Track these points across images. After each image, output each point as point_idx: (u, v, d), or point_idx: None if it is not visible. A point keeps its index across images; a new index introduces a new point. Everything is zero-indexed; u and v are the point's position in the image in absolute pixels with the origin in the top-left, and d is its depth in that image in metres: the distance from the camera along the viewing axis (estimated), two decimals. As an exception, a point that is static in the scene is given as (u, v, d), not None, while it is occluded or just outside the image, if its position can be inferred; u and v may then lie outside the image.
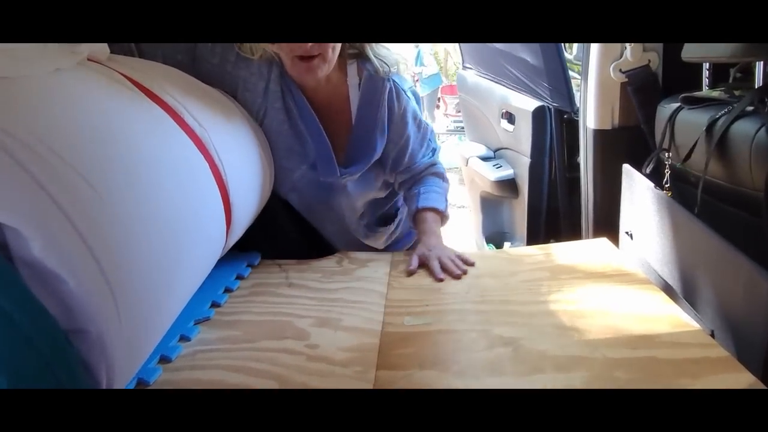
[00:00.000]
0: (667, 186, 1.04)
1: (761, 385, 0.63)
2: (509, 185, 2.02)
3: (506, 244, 2.23)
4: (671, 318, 0.80)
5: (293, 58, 1.00)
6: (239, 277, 1.07)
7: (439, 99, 6.19)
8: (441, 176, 1.22)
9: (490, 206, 2.28)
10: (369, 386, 0.70)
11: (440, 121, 5.97)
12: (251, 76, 1.07)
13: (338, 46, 1.02)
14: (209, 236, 0.79)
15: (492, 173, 2.08)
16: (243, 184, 0.96)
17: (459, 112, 3.93)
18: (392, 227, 1.32)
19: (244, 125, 1.04)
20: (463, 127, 3.08)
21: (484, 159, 2.23)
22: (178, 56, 1.02)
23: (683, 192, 1.03)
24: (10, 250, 0.44)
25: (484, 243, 2.31)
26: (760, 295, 0.69)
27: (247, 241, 1.08)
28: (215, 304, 0.96)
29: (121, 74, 0.75)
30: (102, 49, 0.76)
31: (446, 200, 1.20)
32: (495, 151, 2.23)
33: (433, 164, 1.22)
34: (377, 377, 0.72)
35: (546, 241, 1.77)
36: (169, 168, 0.68)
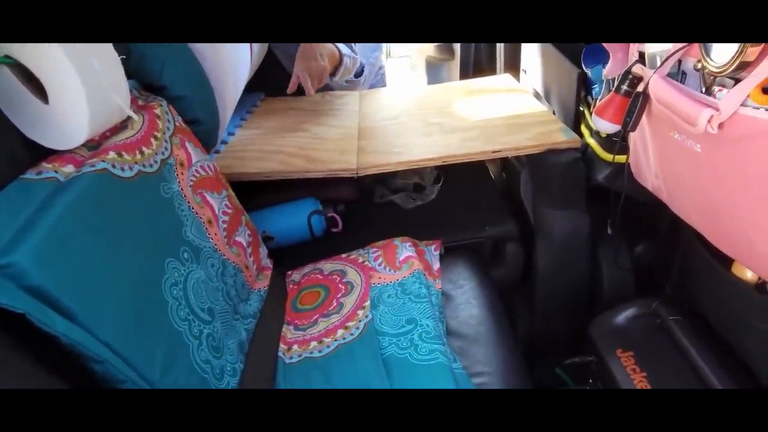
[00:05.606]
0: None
1: (578, 143, 1.14)
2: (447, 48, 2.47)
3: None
4: (535, 107, 1.34)
5: None
6: (254, 105, 1.54)
7: None
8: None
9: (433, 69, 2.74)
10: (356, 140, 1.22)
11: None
12: None
13: None
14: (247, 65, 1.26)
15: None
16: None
17: None
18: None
19: None
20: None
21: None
22: None
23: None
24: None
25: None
26: (573, 81, 1.19)
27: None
28: (243, 118, 1.44)
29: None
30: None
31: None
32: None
33: None
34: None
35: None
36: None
